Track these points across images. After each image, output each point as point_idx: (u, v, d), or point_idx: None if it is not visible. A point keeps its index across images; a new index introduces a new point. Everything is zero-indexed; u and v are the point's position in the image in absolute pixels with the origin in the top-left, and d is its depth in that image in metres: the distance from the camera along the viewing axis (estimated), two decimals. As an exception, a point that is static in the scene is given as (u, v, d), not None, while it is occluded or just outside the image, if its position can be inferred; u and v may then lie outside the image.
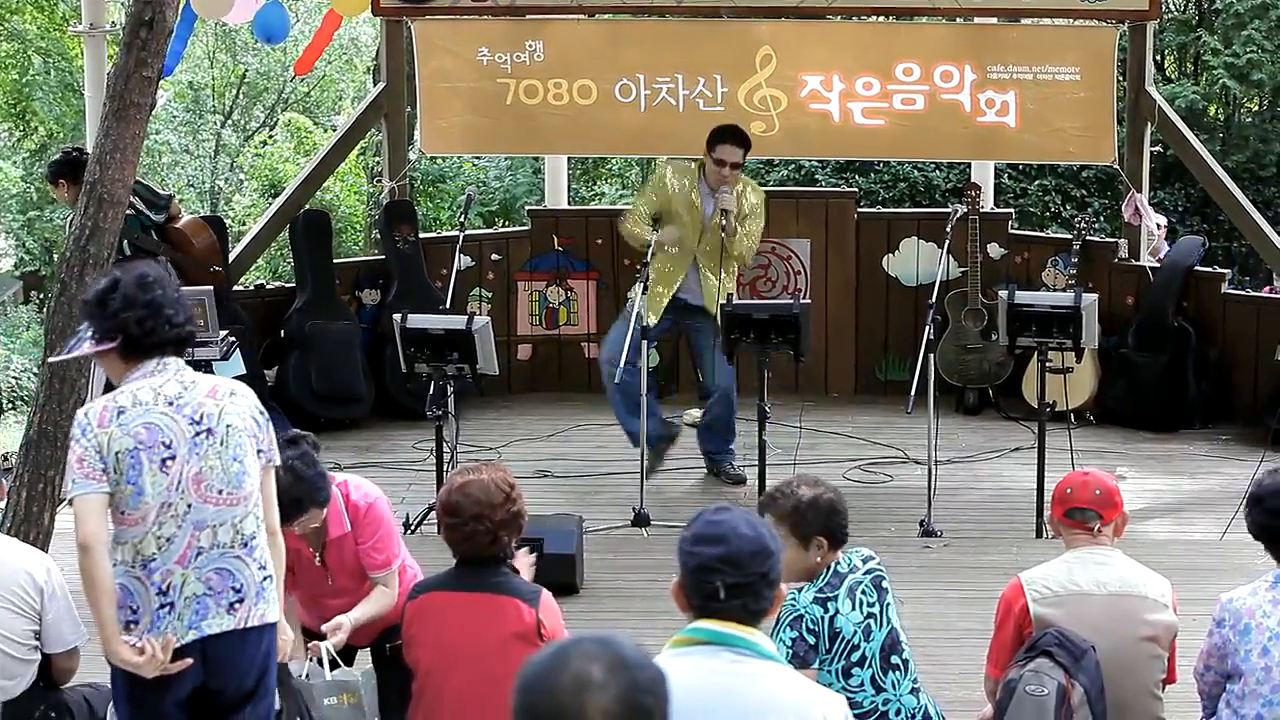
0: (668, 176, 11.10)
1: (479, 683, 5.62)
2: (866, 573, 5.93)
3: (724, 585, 4.02)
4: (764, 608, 4.09)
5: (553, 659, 2.98)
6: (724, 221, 10.73)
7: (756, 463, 10.17)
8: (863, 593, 5.88)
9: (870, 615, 5.87)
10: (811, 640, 5.82)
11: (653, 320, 10.83)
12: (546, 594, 5.77)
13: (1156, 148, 13.75)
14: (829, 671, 5.82)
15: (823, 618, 5.82)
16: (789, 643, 5.78)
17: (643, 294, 10.49)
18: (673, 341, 13.14)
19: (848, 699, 5.68)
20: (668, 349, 13.21)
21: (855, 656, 5.84)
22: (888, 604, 5.93)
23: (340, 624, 6.51)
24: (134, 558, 5.56)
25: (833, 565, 5.90)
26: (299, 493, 6.36)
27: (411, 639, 5.81)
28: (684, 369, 13.39)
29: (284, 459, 6.21)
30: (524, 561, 6.06)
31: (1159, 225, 13.28)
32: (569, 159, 15.75)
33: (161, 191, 12.37)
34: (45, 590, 6.30)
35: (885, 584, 5.96)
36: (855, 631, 5.84)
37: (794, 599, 5.84)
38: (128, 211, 11.25)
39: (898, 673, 5.91)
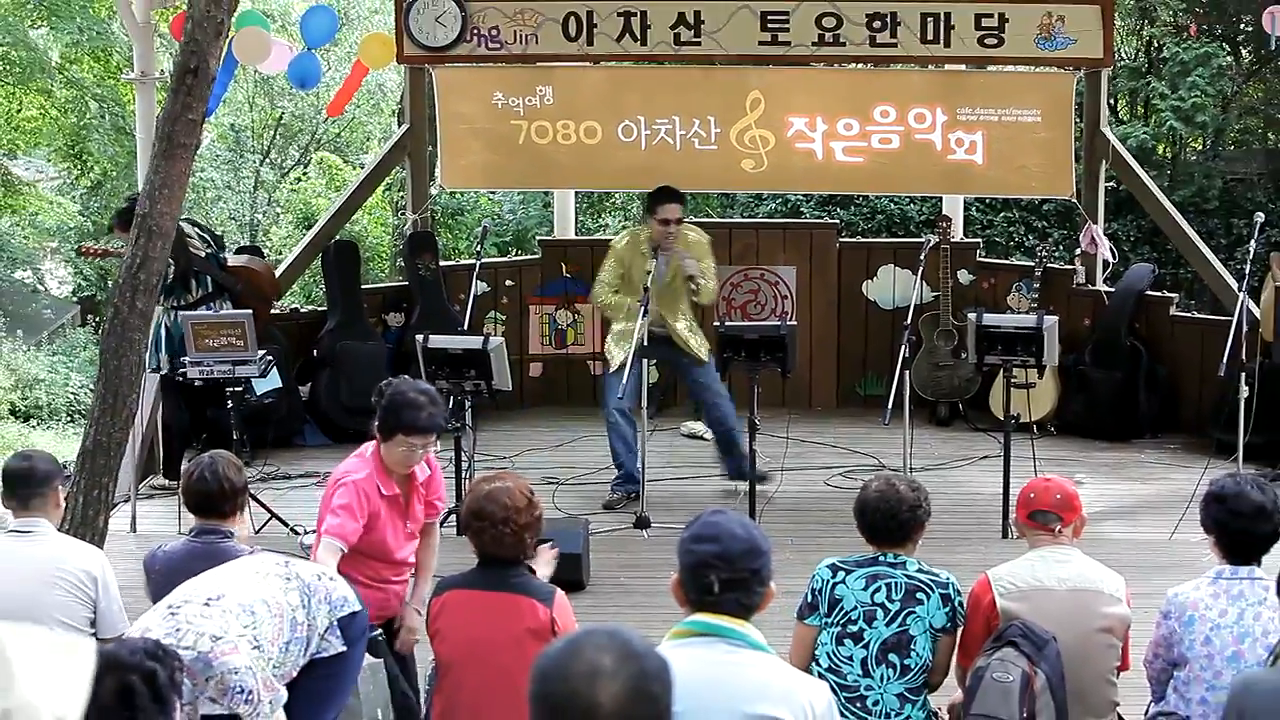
0: (620, 247, 11.11)
1: (496, 675, 5.60)
2: (909, 578, 5.95)
3: (718, 580, 4.04)
4: (755, 603, 4.10)
5: (566, 650, 2.97)
6: (693, 286, 10.82)
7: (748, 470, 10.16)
8: (887, 585, 5.93)
9: (880, 606, 5.90)
10: (810, 599, 5.96)
11: (614, 364, 10.90)
12: (560, 593, 5.75)
13: (1111, 183, 13.78)
14: (827, 632, 5.94)
15: (827, 581, 5.95)
16: (806, 597, 6.00)
17: (643, 316, 10.50)
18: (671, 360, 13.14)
19: (835, 666, 5.87)
20: (666, 365, 13.21)
21: (852, 630, 5.90)
22: (912, 613, 5.91)
23: (414, 626, 6.72)
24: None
25: (879, 555, 6.00)
26: (438, 412, 6.61)
27: (435, 632, 5.80)
28: (681, 389, 13.38)
29: (422, 389, 6.62)
30: (546, 556, 6.07)
31: (1111, 257, 13.27)
32: (576, 193, 15.75)
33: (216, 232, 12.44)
34: (100, 580, 6.44)
35: (923, 598, 5.93)
36: (856, 607, 5.90)
37: (820, 562, 6.05)
38: (208, 250, 11.35)
39: (891, 670, 5.89)
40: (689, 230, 11.12)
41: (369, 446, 6.74)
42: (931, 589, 5.95)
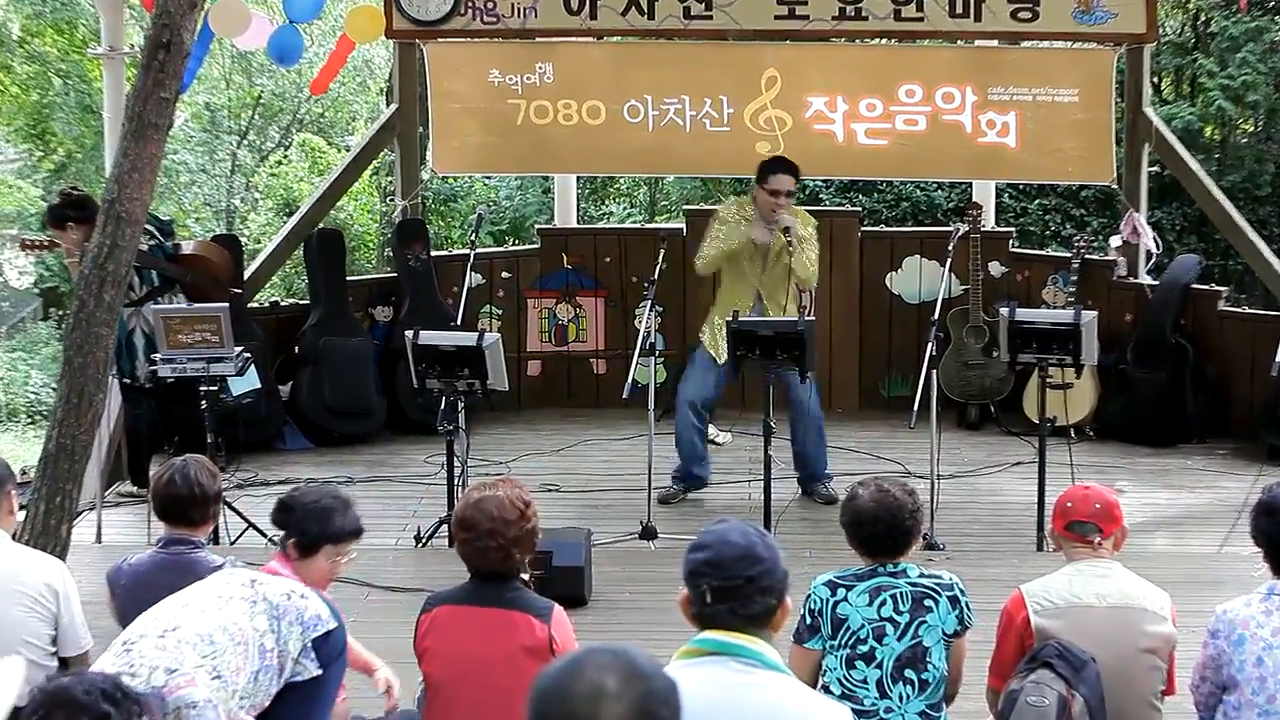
0: (725, 214, 11.06)
1: (491, 696, 5.60)
2: (913, 585, 5.96)
3: (710, 589, 4.05)
4: (755, 613, 4.08)
5: (568, 669, 2.97)
6: (788, 239, 10.69)
7: (762, 477, 10.15)
8: (892, 597, 5.93)
9: (889, 620, 5.90)
10: (809, 620, 5.94)
11: (720, 357, 10.85)
12: (559, 609, 5.75)
13: (1154, 168, 13.74)
14: (834, 656, 5.93)
15: (827, 600, 5.94)
16: (804, 619, 5.94)
17: (650, 311, 10.50)
18: (679, 360, 13.11)
19: (849, 691, 5.86)
20: (674, 366, 13.19)
21: (862, 650, 5.90)
22: (924, 622, 5.92)
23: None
24: None
25: (876, 566, 5.98)
26: (355, 514, 6.32)
27: (425, 651, 5.79)
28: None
29: (330, 492, 6.25)
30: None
31: (1155, 247, 13.25)
32: (578, 178, 15.74)
33: (163, 217, 12.38)
34: (61, 594, 6.39)
35: (931, 605, 5.94)
36: (863, 625, 5.89)
37: (814, 580, 5.99)
38: (151, 242, 11.28)
39: (910, 688, 5.90)
40: (800, 215, 11.06)
41: (273, 564, 6.27)
42: (939, 593, 5.96)
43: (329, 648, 5.71)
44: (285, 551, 6.20)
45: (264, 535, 10.14)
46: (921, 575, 6.00)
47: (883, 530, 5.97)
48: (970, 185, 14.67)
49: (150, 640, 5.33)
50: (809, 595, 5.97)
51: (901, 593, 5.94)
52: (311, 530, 6.18)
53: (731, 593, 4.05)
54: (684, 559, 4.14)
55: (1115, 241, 13.51)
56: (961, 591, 6.02)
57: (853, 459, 12.14)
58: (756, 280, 10.95)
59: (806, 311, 12.73)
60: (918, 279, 13.51)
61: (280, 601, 5.65)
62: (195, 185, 28.41)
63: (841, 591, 5.94)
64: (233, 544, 10.07)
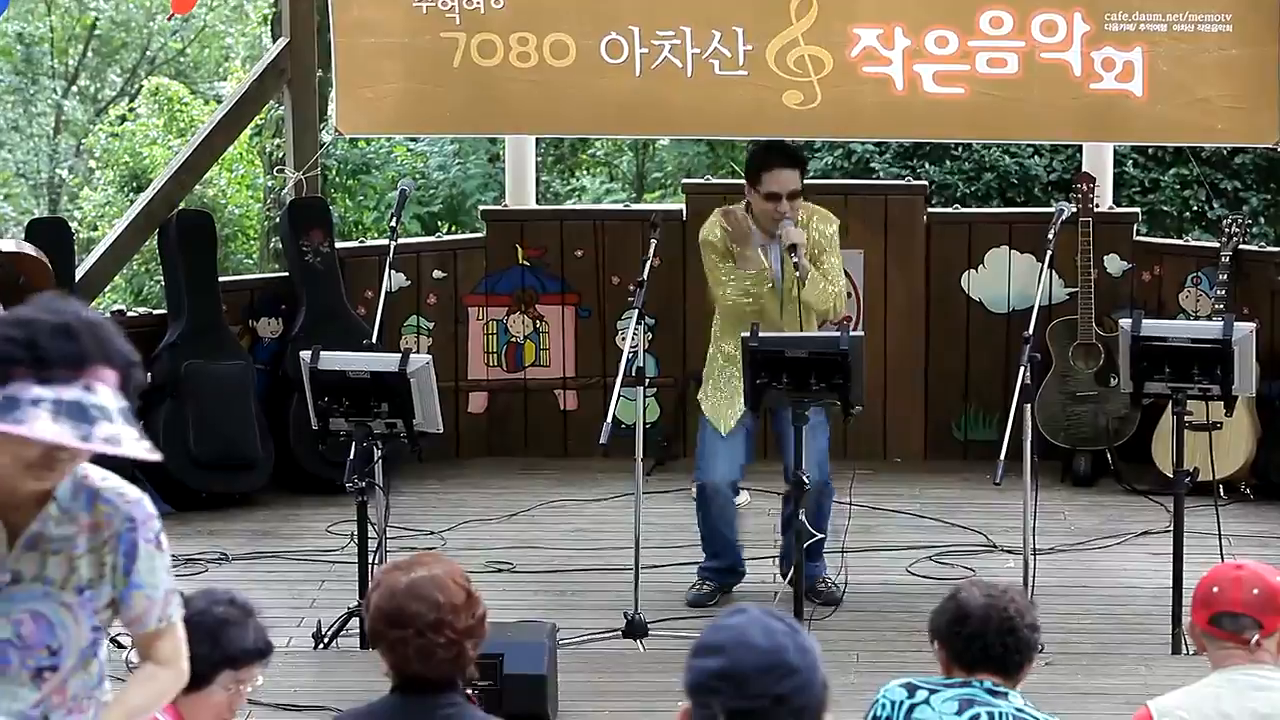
0: (715, 239, 10.99)
1: None
2: (1020, 713, 5.99)
3: (723, 710, 4.03)
4: None
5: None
6: (795, 259, 10.63)
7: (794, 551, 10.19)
8: (988, 714, 5.97)
9: None
10: None
11: (729, 424, 10.87)
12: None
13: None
14: None
15: (902, 703, 5.98)
16: None
17: (638, 324, 10.52)
18: (677, 391, 13.15)
19: None
20: (670, 399, 13.22)
21: None
22: None
23: None
24: None
25: (970, 680, 6.02)
26: (262, 624, 6.24)
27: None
28: (691, 426, 13.38)
29: (224, 597, 6.21)
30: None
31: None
32: (538, 141, 15.78)
33: None
34: None
35: None
36: None
37: (884, 686, 6.07)
38: None
39: None
40: (814, 214, 11.05)
41: None
42: None
43: None
44: None
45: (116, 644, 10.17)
46: (1025, 706, 6.03)
47: (993, 633, 5.98)
48: (1079, 150, 14.71)
49: None
50: (876, 701, 6.02)
51: (1001, 713, 5.97)
52: (201, 652, 5.95)
53: (751, 716, 4.05)
54: (686, 665, 4.15)
55: None
56: None
57: (917, 526, 12.17)
58: (776, 321, 10.85)
59: (850, 326, 12.76)
60: (1006, 279, 13.54)
61: None
62: (5, 148, 28.45)
63: (922, 693, 5.99)
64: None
